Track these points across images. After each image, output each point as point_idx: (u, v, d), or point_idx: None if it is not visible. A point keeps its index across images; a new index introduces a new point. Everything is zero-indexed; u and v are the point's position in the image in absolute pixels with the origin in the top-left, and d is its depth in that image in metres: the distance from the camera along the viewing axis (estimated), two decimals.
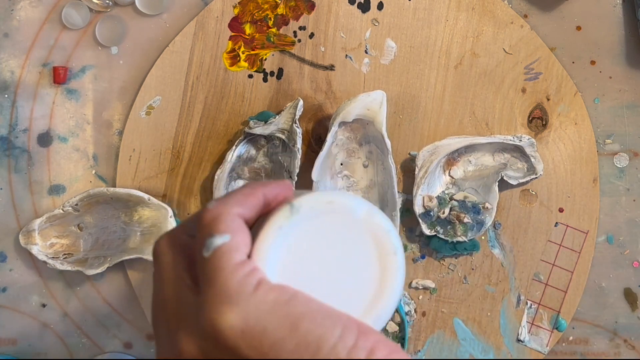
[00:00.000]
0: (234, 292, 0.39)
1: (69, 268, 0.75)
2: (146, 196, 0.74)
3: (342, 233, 0.47)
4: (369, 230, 0.48)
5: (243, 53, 0.76)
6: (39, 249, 0.75)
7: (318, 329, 0.40)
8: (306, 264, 0.45)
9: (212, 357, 0.38)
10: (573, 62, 0.77)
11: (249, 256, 0.42)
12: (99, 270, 0.74)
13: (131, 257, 0.74)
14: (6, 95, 0.76)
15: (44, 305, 0.77)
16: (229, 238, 0.41)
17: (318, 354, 0.39)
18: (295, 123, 0.72)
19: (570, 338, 0.78)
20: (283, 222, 0.45)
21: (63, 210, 0.74)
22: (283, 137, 0.73)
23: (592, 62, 0.78)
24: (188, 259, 0.43)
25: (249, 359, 0.38)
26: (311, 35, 0.76)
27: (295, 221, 0.46)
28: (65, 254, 0.75)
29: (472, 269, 0.77)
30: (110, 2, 0.76)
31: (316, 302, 0.41)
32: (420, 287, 0.77)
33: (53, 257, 0.75)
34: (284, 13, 0.76)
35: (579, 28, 0.77)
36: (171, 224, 0.75)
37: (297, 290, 0.42)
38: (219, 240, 0.42)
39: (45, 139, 0.77)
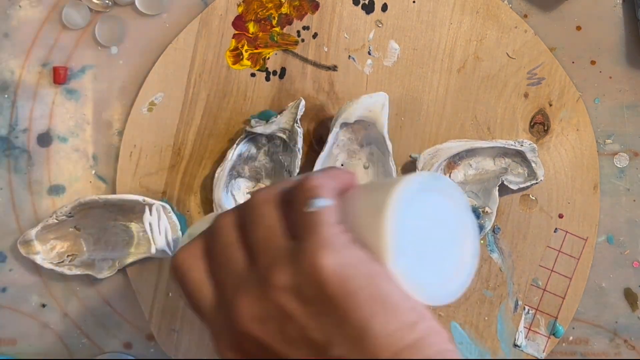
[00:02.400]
0: (333, 241, 0.46)
1: (78, 272, 0.75)
2: (140, 198, 0.74)
3: (446, 214, 0.50)
4: (467, 215, 0.51)
5: (246, 51, 0.76)
6: (42, 257, 0.74)
7: (387, 287, 0.46)
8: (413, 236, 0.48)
9: (302, 289, 0.45)
10: (573, 62, 0.77)
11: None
12: (109, 274, 0.75)
13: (139, 257, 0.75)
14: (6, 96, 0.76)
15: (44, 305, 0.77)
16: (331, 202, 0.48)
17: (384, 310, 0.45)
18: (297, 123, 0.72)
19: (570, 338, 0.78)
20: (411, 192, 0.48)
21: (57, 220, 0.74)
22: (284, 136, 0.73)
23: (592, 62, 0.77)
24: (282, 212, 0.49)
25: (329, 297, 0.45)
26: (315, 35, 0.76)
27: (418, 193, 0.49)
28: (69, 255, 0.75)
29: None
30: (110, 2, 0.76)
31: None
32: None
33: (59, 263, 0.75)
34: (288, 12, 0.76)
35: (579, 28, 0.77)
36: (172, 219, 0.75)
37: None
38: (322, 202, 0.47)
39: (45, 139, 0.76)
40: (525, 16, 0.77)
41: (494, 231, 0.77)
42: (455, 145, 0.75)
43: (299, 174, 0.73)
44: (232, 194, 0.75)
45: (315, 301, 0.45)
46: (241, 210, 0.51)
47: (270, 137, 0.74)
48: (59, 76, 0.76)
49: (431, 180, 0.50)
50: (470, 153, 0.76)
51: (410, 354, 0.44)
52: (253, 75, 0.76)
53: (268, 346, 0.46)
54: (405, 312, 0.46)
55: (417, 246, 0.48)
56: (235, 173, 0.75)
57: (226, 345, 0.48)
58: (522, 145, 0.75)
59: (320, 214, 0.47)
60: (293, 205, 0.49)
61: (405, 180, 0.48)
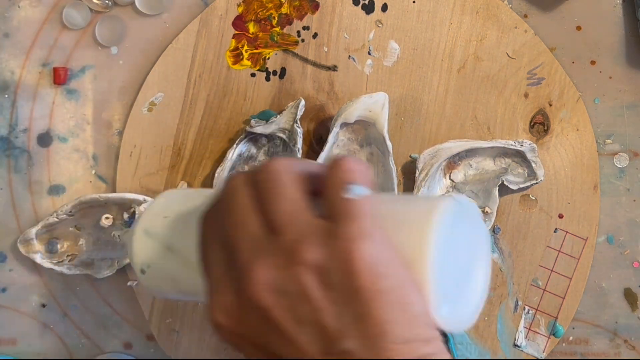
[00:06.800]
0: (373, 234, 0.45)
1: (77, 272, 0.75)
2: (141, 197, 0.74)
3: (471, 240, 0.51)
4: (486, 243, 0.53)
5: (246, 52, 0.76)
6: (42, 256, 0.75)
7: (414, 297, 0.45)
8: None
9: (329, 272, 0.44)
10: (573, 62, 0.77)
11: None
12: (108, 273, 0.75)
13: None
14: (6, 96, 0.76)
15: (44, 305, 0.77)
16: (369, 192, 0.47)
17: (406, 318, 0.44)
18: (297, 123, 0.72)
19: (570, 338, 0.78)
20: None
21: (58, 219, 0.74)
22: (284, 136, 0.73)
23: (592, 62, 0.77)
24: (304, 187, 0.48)
25: (357, 289, 0.44)
26: (315, 36, 0.76)
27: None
28: (68, 255, 0.75)
29: None
30: (110, 2, 0.76)
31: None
32: None
33: (58, 262, 0.75)
34: (288, 12, 0.76)
35: (579, 28, 0.77)
36: None
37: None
38: (362, 191, 0.46)
39: (45, 139, 0.77)
40: (525, 16, 0.77)
41: (494, 231, 0.77)
42: (455, 145, 0.75)
43: None
44: None
45: (339, 288, 0.44)
46: (256, 175, 0.48)
47: (270, 137, 0.75)
48: (59, 77, 0.76)
49: (466, 205, 0.50)
50: (470, 153, 0.76)
51: None
52: (253, 75, 0.76)
53: (274, 319, 0.44)
54: (423, 327, 0.45)
55: (448, 268, 0.48)
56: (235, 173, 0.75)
57: (222, 308, 0.46)
58: (522, 145, 0.75)
59: (362, 203, 0.46)
60: (327, 185, 0.47)
61: (446, 203, 0.48)
